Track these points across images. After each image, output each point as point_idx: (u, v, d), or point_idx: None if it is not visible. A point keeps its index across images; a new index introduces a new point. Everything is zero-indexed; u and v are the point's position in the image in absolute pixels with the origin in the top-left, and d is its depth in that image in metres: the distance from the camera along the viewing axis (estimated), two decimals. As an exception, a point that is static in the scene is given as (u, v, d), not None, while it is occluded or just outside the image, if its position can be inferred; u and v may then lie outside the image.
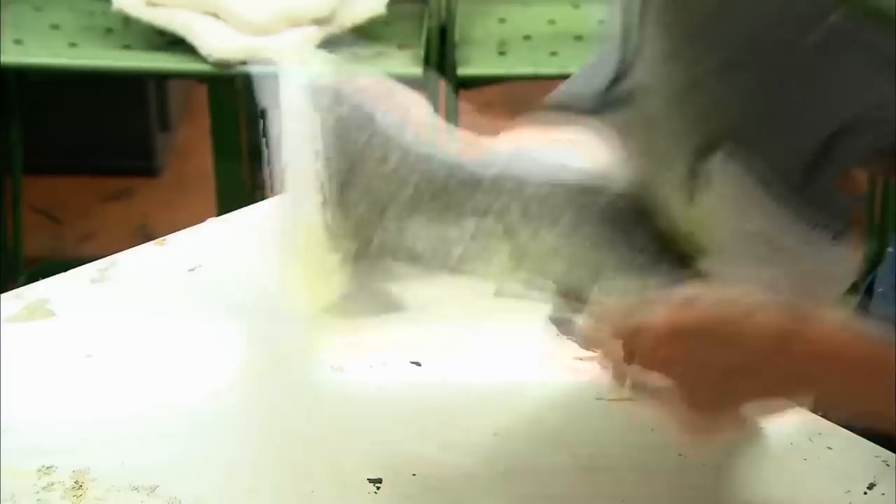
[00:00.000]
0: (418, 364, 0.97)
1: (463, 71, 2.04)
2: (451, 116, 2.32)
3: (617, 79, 0.84)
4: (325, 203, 0.82)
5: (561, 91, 0.90)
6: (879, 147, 0.79)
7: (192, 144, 2.97)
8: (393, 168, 0.84)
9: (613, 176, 0.83)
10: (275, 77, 0.88)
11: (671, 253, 0.82)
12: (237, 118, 2.21)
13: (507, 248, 0.83)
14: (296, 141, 0.85)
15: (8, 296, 1.05)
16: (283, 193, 0.84)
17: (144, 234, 2.60)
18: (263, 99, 0.88)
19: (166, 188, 2.82)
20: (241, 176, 2.21)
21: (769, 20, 0.75)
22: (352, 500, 0.85)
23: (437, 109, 1.90)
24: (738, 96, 0.77)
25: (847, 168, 0.80)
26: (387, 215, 0.83)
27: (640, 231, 0.82)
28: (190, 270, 1.07)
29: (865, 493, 0.86)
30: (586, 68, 0.91)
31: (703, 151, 0.79)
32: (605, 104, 0.85)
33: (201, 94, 2.80)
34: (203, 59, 1.99)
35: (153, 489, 0.85)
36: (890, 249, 1.04)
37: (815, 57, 0.75)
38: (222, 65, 1.98)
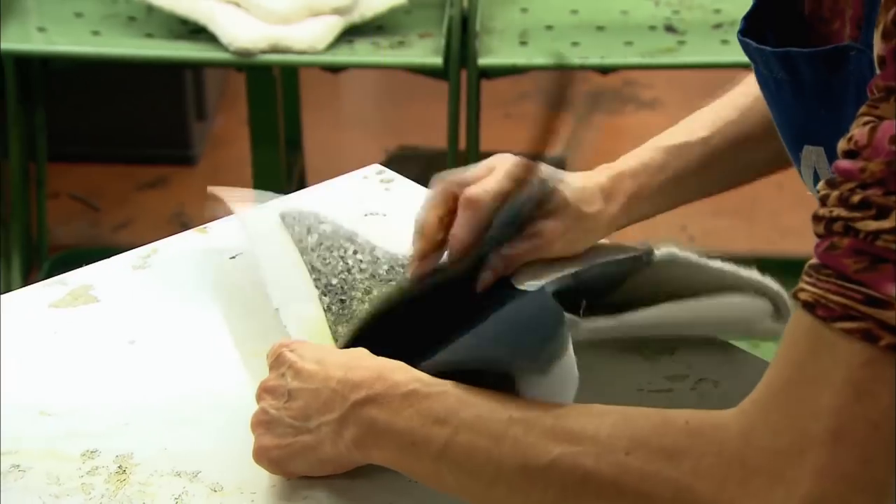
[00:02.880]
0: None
1: (484, 61, 2.04)
2: (472, 106, 2.35)
3: None
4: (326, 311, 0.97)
5: None
6: None
7: (228, 133, 2.99)
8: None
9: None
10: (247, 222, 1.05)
11: None
12: (275, 106, 2.22)
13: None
14: (278, 262, 1.00)
15: (52, 281, 1.06)
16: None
17: (180, 222, 2.61)
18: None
19: (202, 177, 2.84)
20: (279, 164, 2.22)
21: None
22: (391, 483, 0.85)
23: (458, 99, 1.91)
24: None
25: None
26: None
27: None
28: (231, 258, 1.08)
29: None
30: None
31: None
32: None
33: (237, 83, 2.81)
34: (224, 48, 2.00)
35: (196, 475, 0.86)
36: None
37: None
38: (243, 54, 1.98)
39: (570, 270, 0.91)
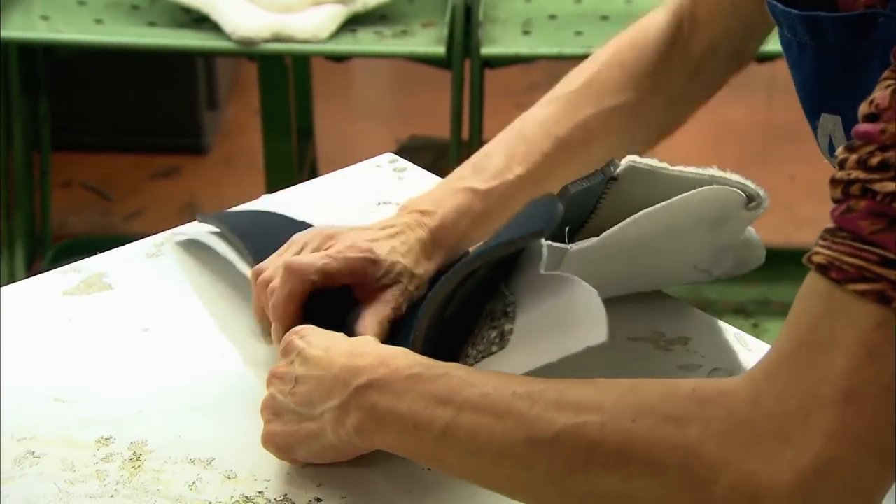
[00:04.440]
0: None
1: (487, 50, 2.04)
2: (476, 96, 2.33)
3: None
4: None
5: None
6: None
7: (239, 123, 2.99)
8: None
9: None
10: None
11: None
12: (286, 96, 2.22)
13: None
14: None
15: (66, 269, 1.06)
16: None
17: (192, 211, 2.61)
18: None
19: (214, 166, 2.84)
20: (291, 153, 2.22)
21: None
22: (400, 470, 0.85)
23: (461, 88, 1.90)
24: None
25: None
26: None
27: None
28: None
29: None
30: None
31: None
32: None
33: (249, 72, 2.81)
34: (227, 37, 2.00)
35: (209, 462, 0.86)
36: None
37: None
38: (246, 43, 1.98)
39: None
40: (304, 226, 1.03)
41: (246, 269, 0.99)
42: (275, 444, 0.85)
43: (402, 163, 1.21)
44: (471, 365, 0.85)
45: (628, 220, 0.89)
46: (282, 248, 0.96)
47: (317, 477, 0.84)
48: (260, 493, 0.83)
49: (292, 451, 0.84)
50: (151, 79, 2.82)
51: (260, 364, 0.94)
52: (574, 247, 0.88)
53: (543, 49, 2.04)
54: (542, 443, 0.70)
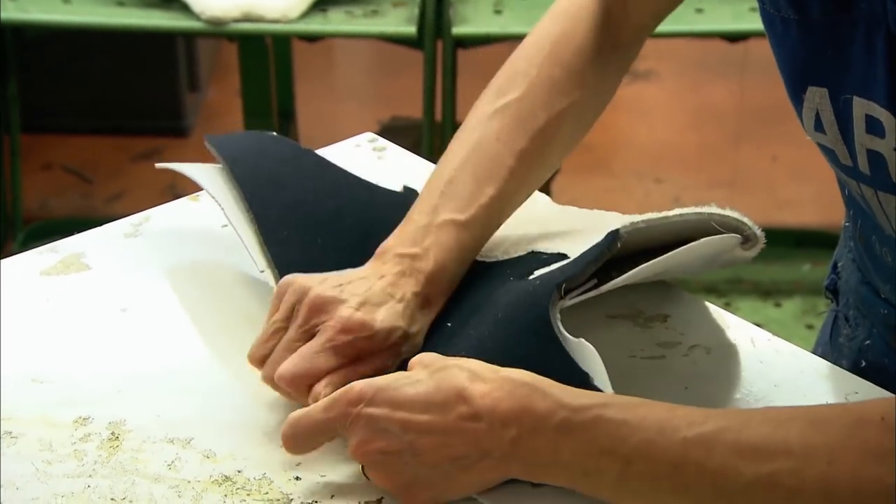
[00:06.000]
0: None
1: (458, 30, 2.03)
2: (448, 76, 2.32)
3: None
4: None
5: None
6: None
7: (220, 104, 2.98)
8: None
9: None
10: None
11: None
12: (267, 77, 2.21)
13: None
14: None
15: (43, 249, 1.05)
16: None
17: (174, 193, 2.61)
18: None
19: (195, 148, 2.83)
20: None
21: None
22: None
23: (434, 68, 1.88)
24: None
25: None
26: None
27: None
28: (223, 226, 1.07)
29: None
30: None
31: None
32: None
33: (230, 54, 2.80)
34: (196, 17, 1.99)
35: (188, 441, 0.86)
36: (846, 224, 1.02)
37: None
38: (215, 22, 1.97)
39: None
40: (308, 157, 1.04)
41: (247, 230, 0.98)
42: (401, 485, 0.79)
43: (382, 142, 1.21)
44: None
45: (626, 275, 0.88)
46: (273, 301, 0.90)
47: (296, 456, 0.84)
48: (239, 471, 0.83)
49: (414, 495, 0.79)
50: (132, 61, 2.81)
51: (238, 344, 0.94)
52: (569, 301, 0.87)
53: (515, 28, 2.03)
54: (732, 495, 0.68)
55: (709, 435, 0.69)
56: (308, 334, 0.86)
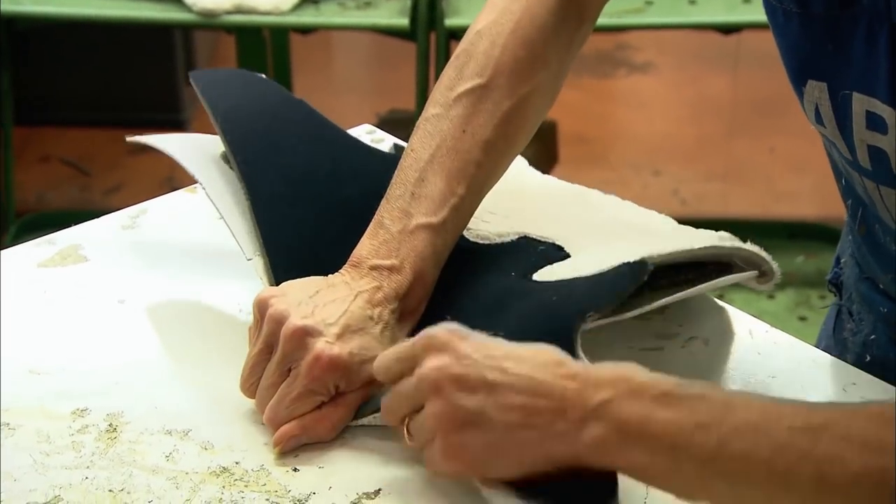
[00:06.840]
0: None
1: (451, 21, 2.03)
2: (441, 67, 2.32)
3: None
4: None
5: None
6: None
7: (218, 97, 2.97)
8: None
9: None
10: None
11: None
12: (265, 70, 2.21)
13: None
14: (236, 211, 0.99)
15: (40, 241, 1.05)
16: None
17: (171, 186, 2.61)
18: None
19: (193, 141, 2.83)
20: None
21: None
22: (376, 444, 0.85)
23: (426, 60, 1.87)
24: None
25: None
26: None
27: None
28: (219, 218, 1.07)
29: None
30: None
31: None
32: None
33: (227, 46, 2.79)
34: (188, 9, 1.99)
35: (186, 433, 0.86)
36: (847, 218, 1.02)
37: None
38: (207, 14, 1.97)
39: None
40: (300, 109, 1.04)
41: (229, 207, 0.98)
42: (469, 457, 0.76)
43: (380, 134, 1.21)
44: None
45: (647, 307, 0.89)
46: (252, 327, 0.88)
47: (294, 448, 0.84)
48: (237, 463, 0.83)
49: (487, 465, 0.76)
50: (130, 53, 2.81)
51: (236, 336, 0.94)
52: (591, 325, 0.86)
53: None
54: (836, 485, 0.67)
55: (814, 425, 0.68)
56: (287, 371, 0.85)
